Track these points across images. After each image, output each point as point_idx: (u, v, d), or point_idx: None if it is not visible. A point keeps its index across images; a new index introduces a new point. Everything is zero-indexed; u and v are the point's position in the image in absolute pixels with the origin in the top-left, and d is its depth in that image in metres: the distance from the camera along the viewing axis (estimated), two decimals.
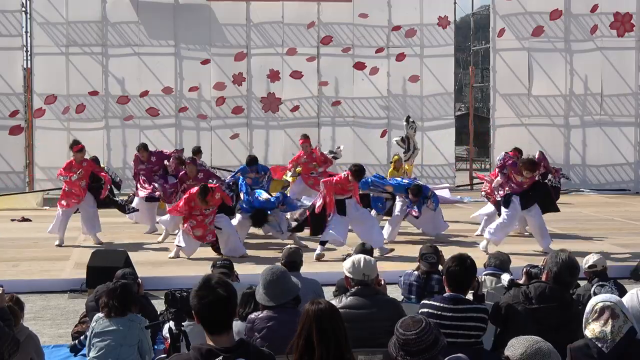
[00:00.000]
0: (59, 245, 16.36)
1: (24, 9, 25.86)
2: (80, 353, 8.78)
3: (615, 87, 27.15)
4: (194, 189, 14.99)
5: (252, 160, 17.96)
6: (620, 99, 27.24)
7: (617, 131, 27.25)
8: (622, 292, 8.56)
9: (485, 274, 9.44)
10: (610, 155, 27.25)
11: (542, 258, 10.51)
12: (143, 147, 18.54)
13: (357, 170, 14.99)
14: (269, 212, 16.06)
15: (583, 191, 26.73)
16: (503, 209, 15.41)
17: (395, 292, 9.04)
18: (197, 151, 23.17)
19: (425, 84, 27.12)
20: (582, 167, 27.31)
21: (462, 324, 6.70)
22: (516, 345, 4.66)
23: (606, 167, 27.36)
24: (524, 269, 8.62)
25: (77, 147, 16.75)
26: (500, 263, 9.59)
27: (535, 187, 15.52)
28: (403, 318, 5.42)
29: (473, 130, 29.32)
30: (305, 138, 19.22)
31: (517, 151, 17.70)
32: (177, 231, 15.84)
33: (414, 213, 16.41)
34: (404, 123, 21.70)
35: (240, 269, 10.92)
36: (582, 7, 26.96)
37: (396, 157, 22.02)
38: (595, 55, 27.09)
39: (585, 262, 9.32)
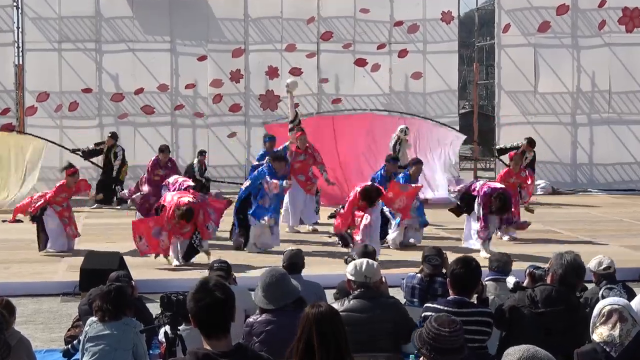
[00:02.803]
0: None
1: (15, 4, 25.56)
2: (74, 358, 8.70)
3: (623, 84, 26.79)
4: (173, 206, 14.13)
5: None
6: (628, 96, 26.87)
7: (626, 129, 26.88)
8: (630, 295, 8.42)
9: (488, 280, 9.12)
10: (619, 154, 26.88)
11: (541, 259, 10.35)
12: (167, 150, 18.35)
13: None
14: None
15: (590, 191, 26.35)
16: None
17: (397, 296, 8.68)
18: (201, 153, 23.20)
19: (428, 81, 26.74)
20: (590, 166, 26.96)
21: (466, 328, 6.28)
22: (512, 353, 4.51)
23: (614, 167, 26.99)
24: (527, 270, 8.55)
25: (69, 170, 16.22)
26: (503, 265, 9.34)
27: None
28: (438, 314, 5.49)
29: (477, 129, 28.90)
30: (302, 131, 18.58)
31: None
32: None
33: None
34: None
35: (238, 271, 10.96)
36: (589, 2, 26.55)
37: None
38: (603, 51, 26.70)
39: (599, 264, 9.07)
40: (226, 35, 26.04)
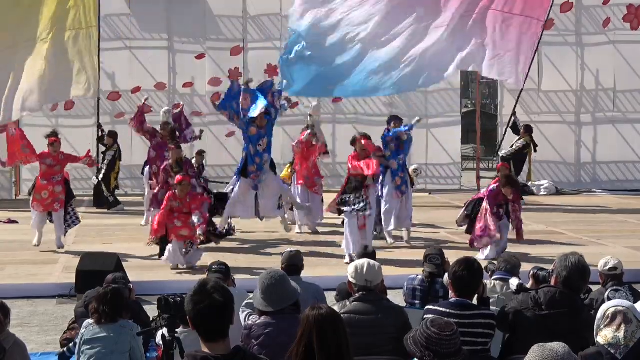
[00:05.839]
0: (36, 245, 15.96)
1: None
2: None
3: (628, 83, 26.58)
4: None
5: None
6: (633, 94, 26.67)
7: (630, 128, 26.70)
8: (636, 297, 8.51)
9: (495, 279, 9.19)
10: (623, 153, 26.72)
11: (545, 261, 10.22)
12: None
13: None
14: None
15: (594, 191, 26.18)
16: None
17: (397, 298, 8.89)
18: (199, 153, 23.01)
19: None
20: (593, 165, 26.79)
21: (468, 330, 6.58)
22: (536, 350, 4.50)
23: (618, 167, 26.80)
24: (531, 272, 8.73)
25: (50, 139, 16.16)
26: (511, 267, 9.29)
27: None
28: (433, 318, 5.48)
29: (480, 128, 28.63)
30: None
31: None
32: None
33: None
34: None
35: (237, 273, 11.03)
36: None
37: None
38: (608, 49, 26.49)
39: (605, 264, 9.04)
40: (224, 32, 25.86)
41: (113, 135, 22.17)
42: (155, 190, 16.57)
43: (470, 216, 15.66)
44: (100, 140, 21.93)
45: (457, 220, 16.17)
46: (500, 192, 15.02)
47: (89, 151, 17.76)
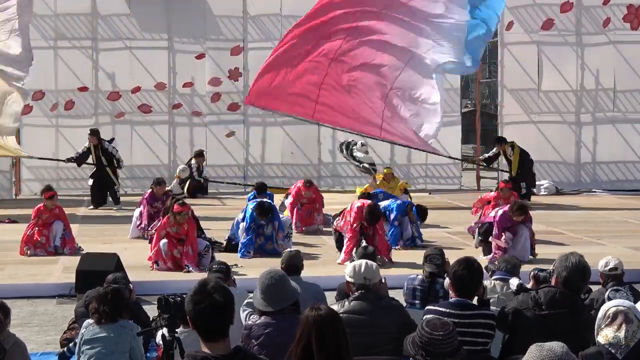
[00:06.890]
0: None
1: None
2: None
3: (628, 83, 26.53)
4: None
5: (262, 187, 17.28)
6: (633, 94, 26.60)
7: (630, 128, 26.63)
8: (637, 297, 8.39)
9: (495, 279, 9.15)
10: (623, 153, 26.66)
11: (545, 261, 10.15)
12: (162, 182, 17.72)
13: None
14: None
15: (594, 191, 26.12)
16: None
17: (398, 297, 8.67)
18: (199, 154, 22.89)
19: None
20: (593, 165, 26.73)
21: (468, 330, 6.56)
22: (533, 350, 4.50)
23: (618, 167, 26.75)
24: (531, 273, 8.82)
25: (48, 193, 15.83)
26: (511, 267, 9.25)
27: None
28: (429, 318, 5.52)
29: (480, 128, 28.60)
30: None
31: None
32: None
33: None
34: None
35: (236, 273, 11.31)
36: None
37: (388, 169, 21.12)
38: (608, 49, 26.43)
39: (606, 265, 9.01)
40: (225, 32, 25.82)
41: (95, 133, 21.85)
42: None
43: (485, 242, 15.43)
44: (79, 160, 21.83)
45: (474, 244, 15.90)
46: (510, 218, 14.71)
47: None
